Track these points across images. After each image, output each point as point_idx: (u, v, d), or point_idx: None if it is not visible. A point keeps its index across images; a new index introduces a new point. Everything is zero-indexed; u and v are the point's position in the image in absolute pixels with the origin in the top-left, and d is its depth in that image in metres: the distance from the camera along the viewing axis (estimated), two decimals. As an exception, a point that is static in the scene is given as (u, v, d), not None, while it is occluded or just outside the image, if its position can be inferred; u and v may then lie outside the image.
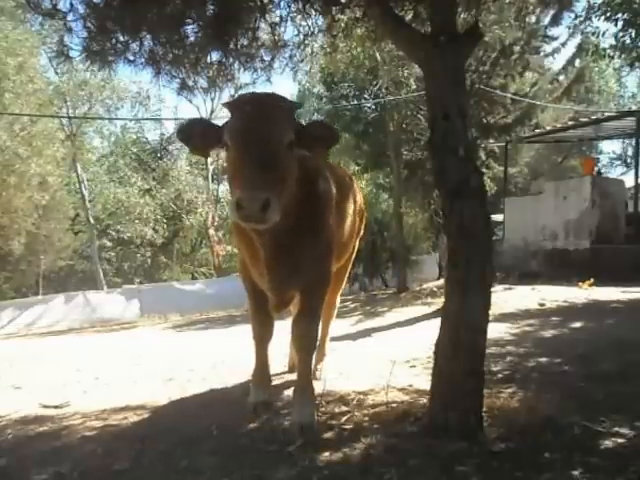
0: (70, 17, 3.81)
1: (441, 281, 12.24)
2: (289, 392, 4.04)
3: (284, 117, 2.94)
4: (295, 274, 3.36)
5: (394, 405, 3.59)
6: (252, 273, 3.62)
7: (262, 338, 3.88)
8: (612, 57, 10.52)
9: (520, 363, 4.87)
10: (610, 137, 20.43)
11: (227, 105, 3.15)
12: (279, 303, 3.59)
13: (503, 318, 7.72)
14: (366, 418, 3.43)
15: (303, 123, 3.14)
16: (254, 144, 2.73)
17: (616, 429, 3.00)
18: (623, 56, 10.21)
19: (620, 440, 2.85)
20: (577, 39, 17.14)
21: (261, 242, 3.20)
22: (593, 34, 10.28)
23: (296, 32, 4.64)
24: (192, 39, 4.10)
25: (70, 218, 27.84)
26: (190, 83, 4.60)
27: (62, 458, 3.13)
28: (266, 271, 3.30)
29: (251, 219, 2.61)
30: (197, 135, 3.04)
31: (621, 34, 9.33)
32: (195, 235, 33.08)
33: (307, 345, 3.56)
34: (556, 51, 16.84)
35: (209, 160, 28.71)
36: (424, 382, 3.89)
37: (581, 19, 9.66)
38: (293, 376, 4.08)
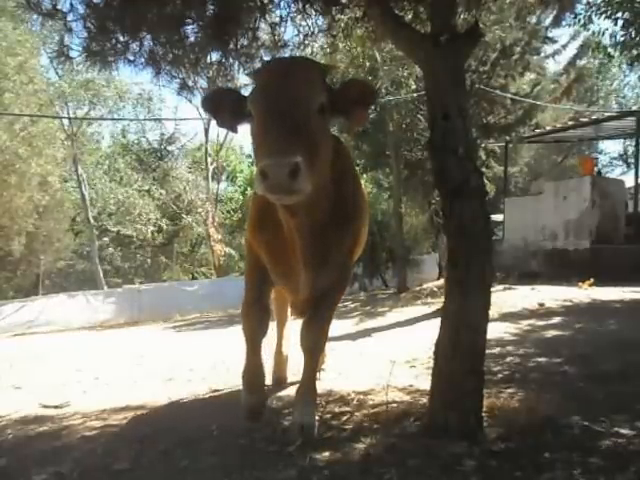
0: (70, 17, 3.81)
1: (441, 281, 12.24)
2: (288, 392, 4.04)
3: (312, 78, 2.65)
4: (327, 267, 3.13)
5: (394, 405, 3.59)
6: (275, 276, 3.37)
7: (254, 334, 3.44)
8: (612, 56, 10.54)
9: (520, 363, 4.87)
10: (610, 137, 20.44)
11: (251, 74, 2.96)
12: (307, 303, 3.36)
13: (503, 318, 7.72)
14: (366, 418, 3.43)
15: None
16: (279, 108, 2.45)
17: (616, 429, 2.99)
18: (624, 54, 10.22)
19: (620, 440, 2.85)
20: (578, 41, 17.23)
21: (296, 225, 2.87)
22: (594, 34, 10.30)
23: (296, 32, 4.65)
24: (192, 39, 4.10)
25: (70, 218, 27.86)
26: (190, 83, 4.60)
27: (62, 458, 3.13)
28: (302, 265, 3.01)
29: (279, 189, 2.28)
30: (226, 108, 2.79)
31: (621, 33, 9.35)
32: (195, 235, 33.09)
33: (316, 347, 3.42)
34: (557, 52, 16.90)
35: (209, 160, 28.77)
36: (424, 382, 3.89)
37: (581, 18, 9.65)
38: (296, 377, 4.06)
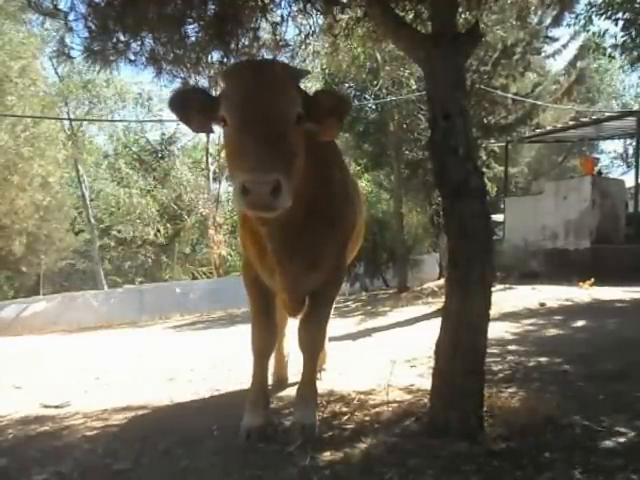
0: (71, 17, 3.82)
1: (442, 281, 12.24)
2: (289, 392, 4.04)
3: (290, 87, 2.58)
4: (310, 270, 3.07)
5: (395, 405, 3.59)
6: (261, 274, 3.27)
7: (263, 351, 3.45)
8: (613, 56, 10.54)
9: (521, 363, 4.87)
10: (611, 137, 20.45)
11: (222, 74, 2.85)
12: (295, 305, 3.31)
13: (503, 318, 7.72)
14: (367, 418, 3.43)
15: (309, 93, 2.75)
16: (258, 118, 2.37)
17: (616, 429, 2.99)
18: (624, 55, 10.22)
19: (620, 439, 2.85)
20: (579, 41, 17.24)
21: (268, 234, 2.84)
22: (594, 34, 10.30)
23: (297, 32, 4.65)
24: (193, 39, 4.11)
25: (71, 218, 27.87)
26: (191, 83, 4.60)
27: (62, 458, 3.12)
28: (277, 269, 2.98)
29: (259, 206, 2.25)
30: (196, 111, 2.63)
31: (622, 34, 9.34)
32: (196, 235, 33.07)
33: (314, 347, 3.41)
34: (557, 52, 16.90)
35: (210, 160, 28.74)
36: (425, 382, 3.89)
37: (582, 18, 9.64)
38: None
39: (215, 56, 4.43)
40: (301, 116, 2.55)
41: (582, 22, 9.80)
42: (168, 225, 30.60)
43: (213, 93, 2.90)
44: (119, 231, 30.08)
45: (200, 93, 2.75)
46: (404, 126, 14.21)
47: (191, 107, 2.63)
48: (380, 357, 5.39)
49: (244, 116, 2.42)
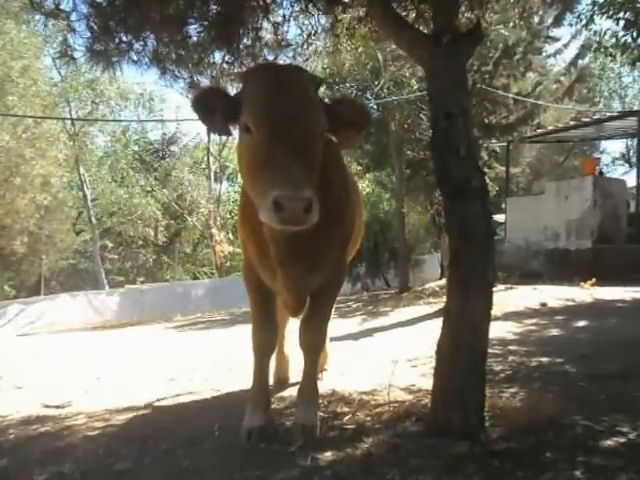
0: (73, 17, 3.82)
1: (443, 281, 12.24)
2: (290, 392, 4.04)
3: (316, 97, 2.58)
4: (311, 271, 3.06)
5: (396, 405, 3.58)
6: (262, 274, 3.26)
7: (264, 351, 3.45)
8: (614, 56, 10.53)
9: (522, 363, 4.87)
10: (612, 137, 20.44)
11: (242, 77, 2.79)
12: (296, 305, 3.29)
13: (505, 318, 7.72)
14: (368, 418, 3.42)
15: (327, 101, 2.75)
16: (289, 131, 2.33)
17: (617, 429, 2.99)
18: (625, 55, 10.21)
19: (621, 439, 2.85)
20: (580, 40, 17.24)
21: (272, 237, 2.82)
22: (595, 33, 10.29)
23: (299, 32, 4.65)
24: (195, 39, 4.11)
25: (72, 218, 27.91)
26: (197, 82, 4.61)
27: (64, 458, 3.12)
28: (279, 270, 2.97)
29: (292, 222, 2.22)
30: (218, 114, 2.59)
31: (622, 33, 9.32)
32: (197, 235, 33.11)
33: (315, 347, 3.40)
34: (558, 52, 16.90)
35: (211, 160, 28.77)
36: (426, 382, 3.89)
37: (584, 18, 9.62)
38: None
39: (217, 56, 4.44)
40: (324, 128, 2.55)
41: (583, 21, 9.77)
42: (169, 225, 30.65)
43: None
44: (120, 231, 30.13)
45: (222, 95, 2.69)
46: (405, 126, 14.18)
47: (214, 109, 2.59)
48: (381, 357, 5.39)
49: (275, 127, 2.36)
